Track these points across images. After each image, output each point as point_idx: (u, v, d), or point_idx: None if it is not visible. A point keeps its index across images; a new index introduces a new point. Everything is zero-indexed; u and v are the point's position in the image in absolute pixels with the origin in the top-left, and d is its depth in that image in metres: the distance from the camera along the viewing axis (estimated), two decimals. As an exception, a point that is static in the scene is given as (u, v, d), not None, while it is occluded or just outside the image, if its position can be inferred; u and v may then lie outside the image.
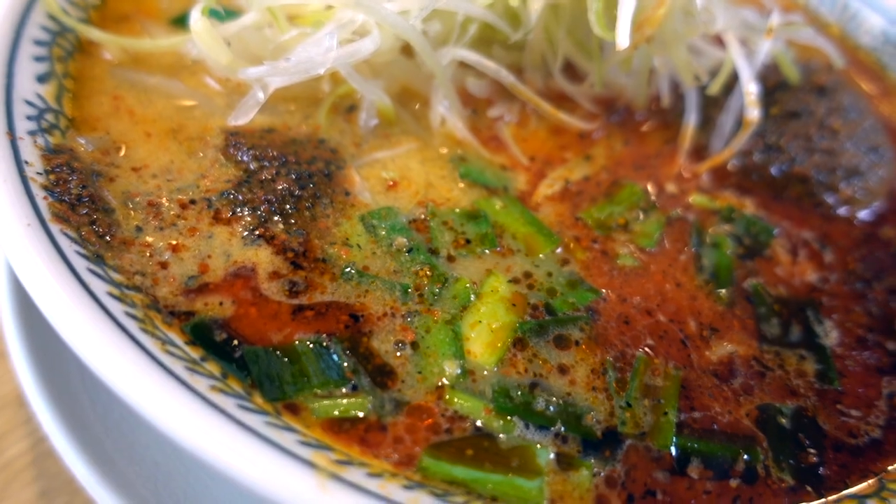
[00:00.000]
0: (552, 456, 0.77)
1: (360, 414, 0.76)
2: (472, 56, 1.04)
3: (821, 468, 0.83)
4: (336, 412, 0.76)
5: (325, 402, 0.76)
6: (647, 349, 0.88)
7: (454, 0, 0.99)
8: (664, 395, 0.84)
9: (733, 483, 0.80)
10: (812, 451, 0.84)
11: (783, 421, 0.86)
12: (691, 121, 1.16)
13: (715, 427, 0.84)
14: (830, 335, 0.96)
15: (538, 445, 0.77)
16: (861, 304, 1.01)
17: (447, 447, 0.75)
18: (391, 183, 1.00)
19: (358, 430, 0.75)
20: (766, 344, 0.93)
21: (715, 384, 0.88)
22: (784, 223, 1.09)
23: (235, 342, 0.79)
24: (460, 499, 0.71)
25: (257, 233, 0.89)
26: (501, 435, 0.77)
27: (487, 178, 1.03)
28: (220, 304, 0.82)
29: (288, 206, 0.92)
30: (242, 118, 0.98)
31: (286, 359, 0.78)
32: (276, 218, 0.91)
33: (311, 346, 0.80)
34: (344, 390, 0.77)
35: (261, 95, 0.97)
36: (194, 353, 0.75)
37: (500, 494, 0.73)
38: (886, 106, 1.36)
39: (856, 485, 0.82)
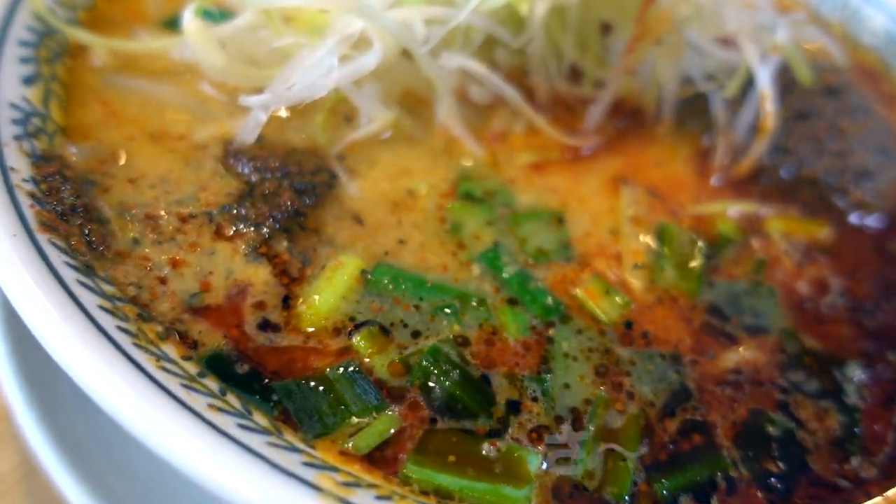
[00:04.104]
0: (544, 464, 0.75)
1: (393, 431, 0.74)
2: (474, 66, 1.01)
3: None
4: (378, 440, 0.73)
5: (363, 433, 0.73)
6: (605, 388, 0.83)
7: (457, 12, 0.96)
8: (622, 439, 0.80)
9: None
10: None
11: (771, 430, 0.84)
12: (721, 127, 1.12)
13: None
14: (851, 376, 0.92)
15: (528, 451, 0.75)
16: (870, 328, 0.98)
17: (431, 453, 0.73)
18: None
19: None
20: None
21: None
22: (796, 237, 1.06)
23: (264, 376, 0.76)
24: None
25: (259, 251, 0.86)
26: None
27: (484, 194, 1.00)
28: (229, 331, 0.79)
29: (290, 224, 0.89)
30: (247, 140, 0.96)
31: (321, 388, 0.75)
32: (279, 235, 0.88)
33: (342, 371, 0.77)
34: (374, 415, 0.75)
35: (262, 116, 0.95)
36: (191, 369, 0.72)
37: None
38: (890, 106, 1.34)
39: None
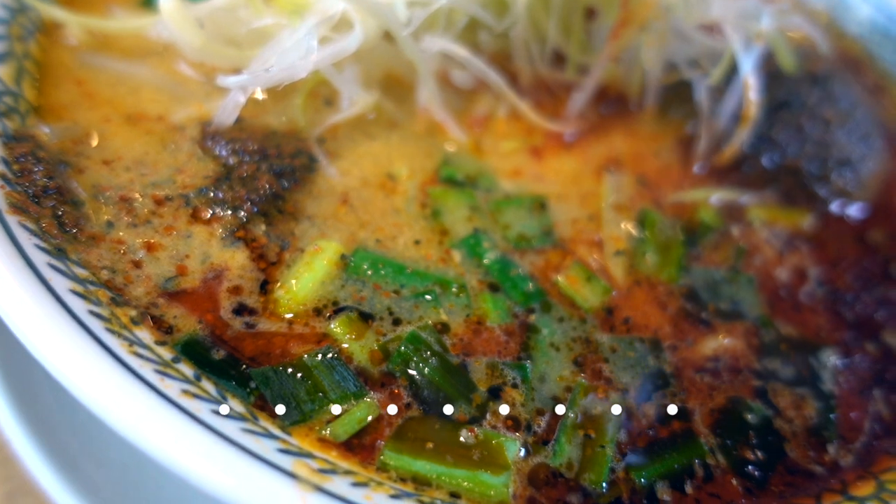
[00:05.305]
0: (522, 451, 0.75)
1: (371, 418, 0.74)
2: (456, 50, 1.00)
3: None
4: (356, 427, 0.73)
5: (341, 420, 0.73)
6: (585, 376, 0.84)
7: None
8: (599, 427, 0.79)
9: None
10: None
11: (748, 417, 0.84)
12: (704, 114, 1.12)
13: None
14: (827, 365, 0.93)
15: (506, 438, 0.75)
16: (847, 317, 0.98)
17: (410, 439, 0.73)
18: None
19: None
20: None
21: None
22: (777, 226, 1.06)
23: (240, 362, 0.75)
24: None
25: (237, 235, 0.85)
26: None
27: (465, 179, 1.00)
28: (205, 316, 0.78)
29: (268, 208, 0.88)
30: (226, 122, 0.94)
31: (299, 375, 0.74)
32: (256, 219, 0.87)
33: (320, 358, 0.76)
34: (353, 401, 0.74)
35: (241, 98, 0.93)
36: (165, 355, 0.71)
37: (463, 490, 0.70)
38: (874, 95, 1.34)
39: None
